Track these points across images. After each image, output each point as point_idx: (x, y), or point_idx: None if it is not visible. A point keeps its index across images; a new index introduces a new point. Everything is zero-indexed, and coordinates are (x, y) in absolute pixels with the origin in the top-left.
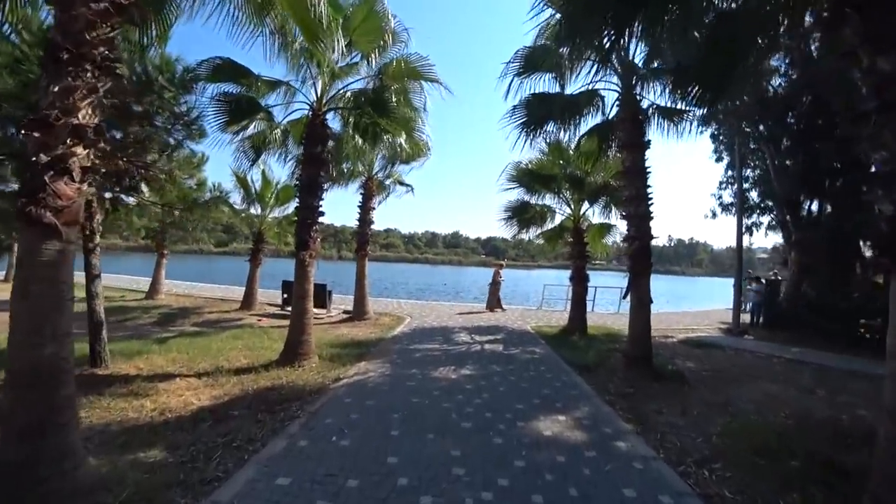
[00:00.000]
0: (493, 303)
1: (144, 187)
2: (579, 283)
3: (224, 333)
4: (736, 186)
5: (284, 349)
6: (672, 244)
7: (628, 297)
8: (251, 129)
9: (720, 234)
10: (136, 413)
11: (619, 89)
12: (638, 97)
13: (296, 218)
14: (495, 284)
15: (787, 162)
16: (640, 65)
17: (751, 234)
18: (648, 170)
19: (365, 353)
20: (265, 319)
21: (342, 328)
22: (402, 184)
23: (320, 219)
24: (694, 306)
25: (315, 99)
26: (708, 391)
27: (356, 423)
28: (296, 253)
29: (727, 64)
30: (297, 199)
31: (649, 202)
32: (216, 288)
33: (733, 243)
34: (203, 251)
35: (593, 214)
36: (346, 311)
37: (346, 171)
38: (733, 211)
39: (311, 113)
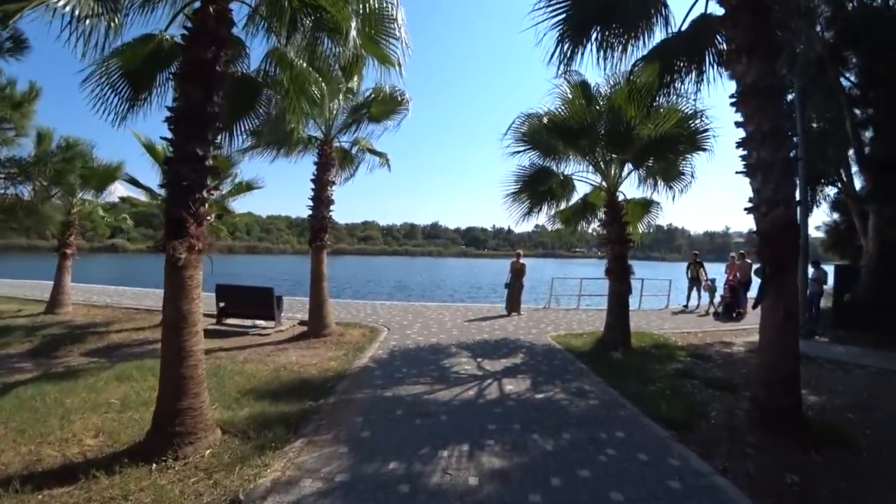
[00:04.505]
0: (515, 304)
1: None
2: (620, 278)
3: (108, 371)
4: (799, 150)
5: (153, 426)
6: (651, 230)
7: (759, 307)
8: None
9: (697, 219)
10: None
11: None
12: None
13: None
14: (519, 279)
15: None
16: None
17: (810, 211)
18: None
19: (309, 413)
20: None
21: (290, 351)
22: (372, 152)
23: (212, 182)
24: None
25: None
26: None
27: None
28: (164, 244)
29: None
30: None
31: (792, 146)
32: (153, 293)
33: (711, 228)
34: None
35: (637, 185)
36: (302, 322)
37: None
38: None
39: None
